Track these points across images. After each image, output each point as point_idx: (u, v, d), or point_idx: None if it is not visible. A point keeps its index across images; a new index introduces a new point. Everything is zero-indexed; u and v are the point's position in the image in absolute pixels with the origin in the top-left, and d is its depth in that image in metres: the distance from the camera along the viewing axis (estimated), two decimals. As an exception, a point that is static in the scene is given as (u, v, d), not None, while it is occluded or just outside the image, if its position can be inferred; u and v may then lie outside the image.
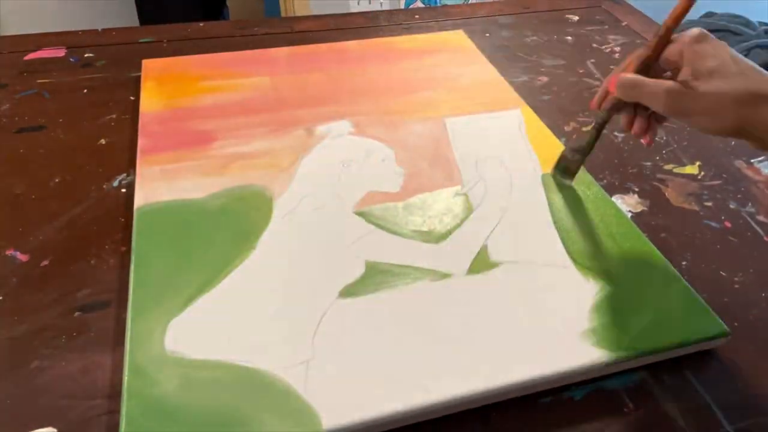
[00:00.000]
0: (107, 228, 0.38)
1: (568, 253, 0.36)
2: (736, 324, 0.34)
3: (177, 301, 0.32)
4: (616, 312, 0.32)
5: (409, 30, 0.64)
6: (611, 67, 0.59)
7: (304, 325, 0.31)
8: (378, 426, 0.27)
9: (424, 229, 0.37)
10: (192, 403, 0.27)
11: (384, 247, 0.36)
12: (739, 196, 0.43)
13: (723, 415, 0.30)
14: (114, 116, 0.48)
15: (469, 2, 0.97)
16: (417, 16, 0.68)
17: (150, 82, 0.50)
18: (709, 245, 0.39)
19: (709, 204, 0.43)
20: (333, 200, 0.39)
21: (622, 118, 0.36)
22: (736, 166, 0.46)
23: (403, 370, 0.29)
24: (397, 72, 0.53)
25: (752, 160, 0.47)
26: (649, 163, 0.46)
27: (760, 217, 0.42)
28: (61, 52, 0.57)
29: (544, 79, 0.57)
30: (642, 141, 0.36)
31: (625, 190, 0.43)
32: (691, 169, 0.46)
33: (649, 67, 0.34)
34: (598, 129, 0.38)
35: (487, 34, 0.64)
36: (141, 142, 0.43)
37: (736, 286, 0.36)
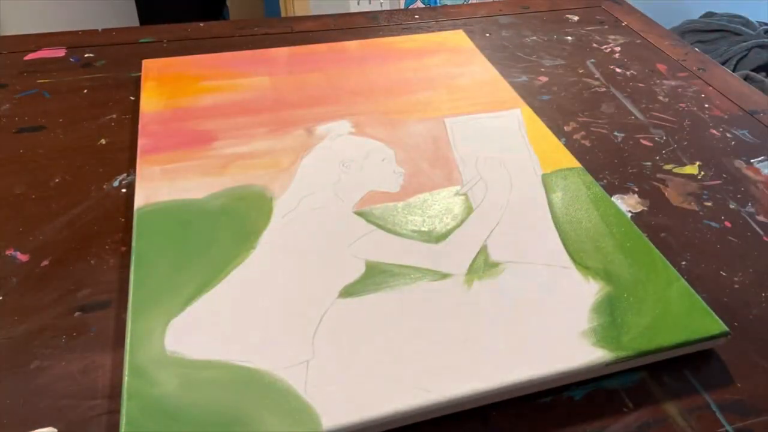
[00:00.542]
0: (107, 228, 0.38)
1: (568, 253, 0.36)
2: (736, 324, 0.34)
3: (177, 301, 0.32)
4: (616, 312, 0.32)
5: (408, 30, 0.64)
6: (611, 67, 0.59)
7: (304, 325, 0.31)
8: (378, 426, 0.27)
9: (424, 229, 0.37)
10: (192, 403, 0.27)
11: (384, 247, 0.36)
12: (739, 196, 0.43)
13: (723, 415, 0.30)
14: (114, 116, 0.48)
15: (469, 2, 0.97)
16: (417, 17, 0.68)
17: (150, 82, 0.50)
18: (709, 245, 0.39)
19: (709, 204, 0.43)
20: (333, 200, 0.39)
21: None
22: (736, 166, 0.46)
23: (403, 370, 0.29)
24: (397, 72, 0.53)
25: (752, 160, 0.47)
26: (649, 163, 0.46)
27: (760, 217, 0.42)
28: (61, 52, 0.57)
29: (544, 79, 0.57)
30: None
31: (625, 190, 0.43)
32: (691, 169, 0.46)
33: None
34: None
35: (487, 34, 0.64)
36: (141, 142, 0.43)
37: (736, 286, 0.36)
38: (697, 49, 0.65)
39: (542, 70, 0.58)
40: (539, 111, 0.49)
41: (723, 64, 1.19)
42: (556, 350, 0.30)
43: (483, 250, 0.36)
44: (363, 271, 0.34)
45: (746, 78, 1.12)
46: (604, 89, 0.56)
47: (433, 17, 0.68)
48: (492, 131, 0.46)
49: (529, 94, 0.53)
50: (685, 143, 0.49)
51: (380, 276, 0.34)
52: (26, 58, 0.56)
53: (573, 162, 0.43)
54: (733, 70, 1.15)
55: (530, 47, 0.62)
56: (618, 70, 0.59)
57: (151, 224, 0.36)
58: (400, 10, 0.72)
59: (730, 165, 0.46)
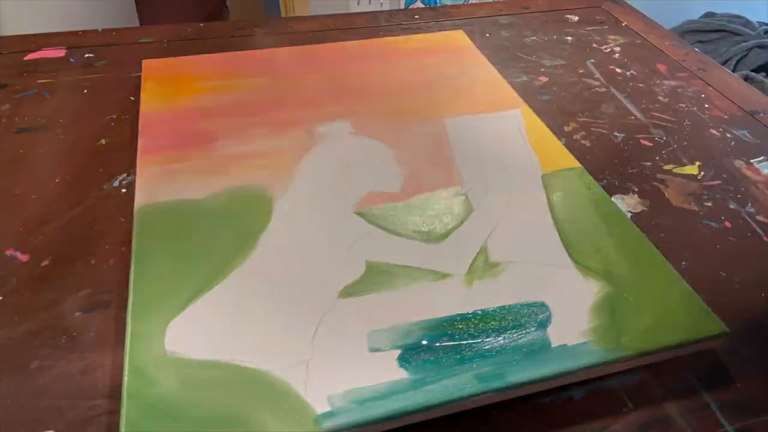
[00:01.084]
0: (107, 228, 0.38)
1: (568, 253, 0.36)
2: (736, 324, 0.34)
3: (177, 301, 0.32)
4: (616, 312, 0.32)
5: (409, 30, 0.64)
6: (611, 67, 0.59)
7: (304, 325, 0.31)
8: (378, 426, 0.27)
9: (424, 229, 0.37)
10: (192, 403, 0.27)
11: (384, 247, 0.36)
12: (739, 196, 0.43)
13: (723, 415, 0.30)
14: (114, 116, 0.48)
15: (469, 2, 0.97)
16: (417, 17, 0.68)
17: (150, 82, 0.50)
18: (709, 245, 0.39)
19: (709, 204, 0.43)
20: (333, 200, 0.39)
21: None
22: (736, 166, 0.46)
23: (403, 370, 0.29)
24: (397, 72, 0.53)
25: (752, 160, 0.47)
26: (649, 163, 0.46)
27: (760, 217, 0.42)
28: (61, 52, 0.57)
29: (544, 79, 0.57)
30: None
31: (625, 190, 0.43)
32: (691, 169, 0.46)
33: None
34: None
35: (487, 34, 0.64)
36: (141, 142, 0.43)
37: (736, 286, 0.36)
38: (697, 49, 0.65)
39: (542, 70, 0.58)
40: (539, 111, 0.49)
41: (723, 64, 1.19)
42: (556, 350, 0.30)
43: (483, 250, 0.36)
44: (363, 271, 0.34)
45: (746, 78, 1.12)
46: (604, 89, 0.56)
47: (433, 17, 0.68)
48: (492, 131, 0.46)
49: (529, 94, 0.53)
50: (685, 143, 0.49)
51: (380, 276, 0.34)
52: (26, 58, 0.56)
53: (573, 162, 0.43)
54: (733, 70, 1.15)
55: (530, 47, 0.62)
56: (618, 70, 0.59)
57: (151, 224, 0.36)
58: (400, 10, 0.72)
59: (730, 165, 0.46)
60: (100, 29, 0.62)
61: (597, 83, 0.56)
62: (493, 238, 0.37)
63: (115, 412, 0.28)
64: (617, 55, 0.62)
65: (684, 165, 0.46)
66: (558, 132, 0.48)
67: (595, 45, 0.63)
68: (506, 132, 0.46)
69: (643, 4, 0.74)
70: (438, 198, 0.40)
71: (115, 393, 0.29)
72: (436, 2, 1.21)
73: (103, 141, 0.46)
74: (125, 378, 0.28)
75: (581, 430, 0.29)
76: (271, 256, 0.35)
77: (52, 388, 0.29)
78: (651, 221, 0.41)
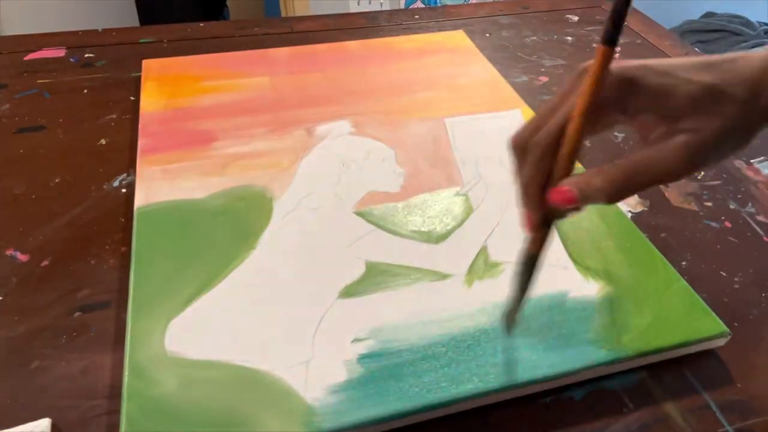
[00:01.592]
0: (107, 228, 0.38)
1: (568, 253, 0.36)
2: (736, 324, 0.34)
3: (177, 301, 0.32)
4: (616, 312, 0.32)
5: (409, 30, 0.64)
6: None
7: (304, 325, 0.31)
8: (378, 426, 0.27)
9: (424, 229, 0.37)
10: (192, 403, 0.27)
11: (384, 247, 0.36)
12: (739, 196, 0.43)
13: (723, 415, 0.30)
14: (114, 116, 0.48)
15: (469, 2, 0.97)
16: (417, 17, 0.68)
17: (150, 82, 0.50)
18: (709, 245, 0.39)
19: (709, 204, 0.43)
20: (333, 200, 0.39)
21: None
22: (736, 166, 0.46)
23: (403, 370, 0.29)
24: (397, 72, 0.53)
25: (752, 161, 0.47)
26: (649, 163, 0.46)
27: (760, 217, 0.42)
28: (61, 52, 0.57)
29: (544, 79, 0.57)
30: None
31: (625, 190, 0.43)
32: (691, 169, 0.46)
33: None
34: (530, 265, 0.28)
35: (487, 34, 0.64)
36: (141, 142, 0.43)
37: (736, 286, 0.36)
38: (697, 49, 0.65)
39: (542, 70, 0.58)
40: (539, 111, 0.49)
41: (723, 64, 1.18)
42: (556, 350, 0.30)
43: (483, 250, 0.36)
44: (363, 271, 0.34)
45: (746, 78, 1.12)
46: (604, 89, 0.55)
47: (434, 17, 0.68)
48: (492, 131, 0.46)
49: (529, 94, 0.53)
50: (685, 143, 0.49)
51: (380, 276, 0.34)
52: (26, 58, 0.56)
53: (573, 162, 0.43)
54: (733, 70, 1.14)
55: (530, 47, 0.62)
56: (618, 70, 0.59)
57: (151, 224, 0.36)
58: (400, 10, 0.72)
59: (730, 165, 0.46)
60: (100, 29, 0.62)
61: (597, 83, 0.56)
62: (493, 238, 0.37)
63: (115, 412, 0.28)
64: (617, 55, 0.62)
65: (684, 165, 0.46)
66: (558, 132, 0.48)
67: (595, 45, 0.63)
68: (506, 132, 0.46)
69: (643, 4, 0.73)
70: (438, 198, 0.40)
71: (115, 393, 0.29)
72: (436, 2, 1.21)
73: (103, 141, 0.46)
74: (125, 378, 0.28)
75: (581, 430, 0.29)
76: (270, 256, 0.35)
77: (52, 388, 0.29)
78: (651, 221, 0.41)
